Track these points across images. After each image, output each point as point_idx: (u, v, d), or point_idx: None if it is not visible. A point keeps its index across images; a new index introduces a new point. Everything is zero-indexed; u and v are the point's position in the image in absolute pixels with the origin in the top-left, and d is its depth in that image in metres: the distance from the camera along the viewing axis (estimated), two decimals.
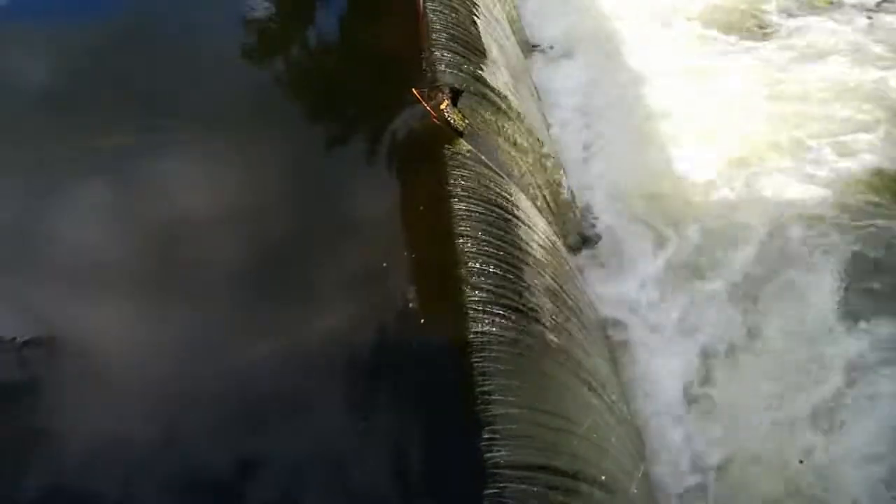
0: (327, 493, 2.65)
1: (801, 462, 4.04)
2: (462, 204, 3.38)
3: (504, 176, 3.78)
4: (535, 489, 2.67)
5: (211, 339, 3.04)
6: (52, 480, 2.70)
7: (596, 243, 4.85)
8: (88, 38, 4.20)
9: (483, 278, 3.16)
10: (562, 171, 5.22)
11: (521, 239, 3.56)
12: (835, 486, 3.81)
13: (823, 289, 4.50)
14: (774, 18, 6.46)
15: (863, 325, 4.33)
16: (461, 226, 3.29)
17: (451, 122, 3.61)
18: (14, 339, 3.06)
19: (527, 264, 3.47)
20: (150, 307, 3.16)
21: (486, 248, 3.28)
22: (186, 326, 3.09)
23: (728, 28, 6.42)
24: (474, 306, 3.05)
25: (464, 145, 3.62)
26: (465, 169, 3.53)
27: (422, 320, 3.05)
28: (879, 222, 4.86)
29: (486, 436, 2.69)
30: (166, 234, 3.37)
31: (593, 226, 4.96)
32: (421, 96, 3.65)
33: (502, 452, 2.67)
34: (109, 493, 2.66)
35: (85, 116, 3.82)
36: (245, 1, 4.63)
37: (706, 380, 4.27)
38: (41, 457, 2.74)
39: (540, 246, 3.73)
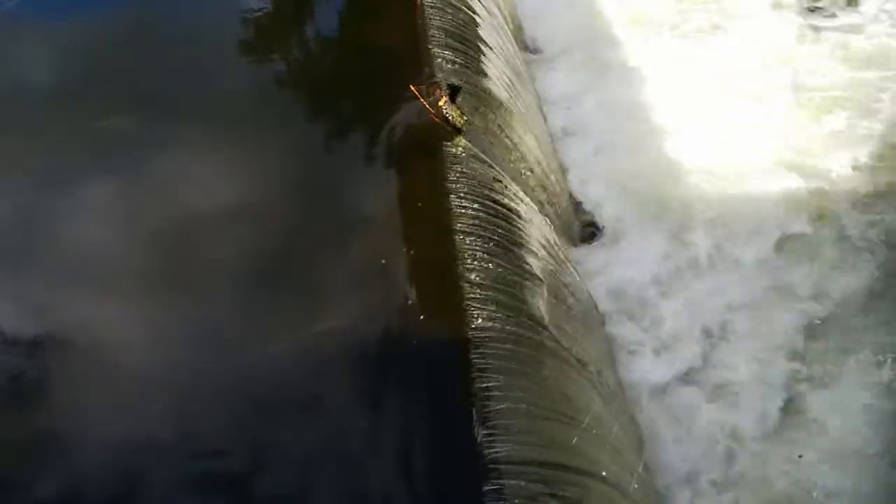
0: (330, 485, 2.66)
1: (799, 457, 4.06)
2: (461, 201, 3.37)
3: (502, 172, 3.78)
4: (535, 484, 2.67)
5: (208, 333, 3.05)
6: (67, 472, 2.71)
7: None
8: (93, 36, 4.21)
9: (482, 275, 3.15)
10: (559, 163, 5.24)
11: (520, 235, 3.56)
12: None
13: None
14: None
15: None
16: (460, 222, 3.29)
17: (450, 118, 3.61)
18: (21, 330, 3.09)
19: (525, 260, 3.47)
20: (152, 302, 3.17)
21: (485, 245, 3.28)
22: (185, 320, 3.11)
23: None
24: (473, 303, 3.04)
25: (462, 142, 3.62)
26: (464, 165, 3.53)
27: (421, 317, 3.05)
28: None
29: (486, 432, 2.69)
30: (167, 229, 3.37)
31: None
32: (419, 93, 3.65)
33: (501, 448, 2.67)
34: (123, 486, 2.67)
35: (88, 114, 3.81)
36: None
37: None
38: (57, 450, 2.76)
39: (538, 241, 3.73)
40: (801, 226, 4.97)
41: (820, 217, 5.03)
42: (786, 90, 5.72)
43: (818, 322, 4.54)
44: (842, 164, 5.25)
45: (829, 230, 4.97)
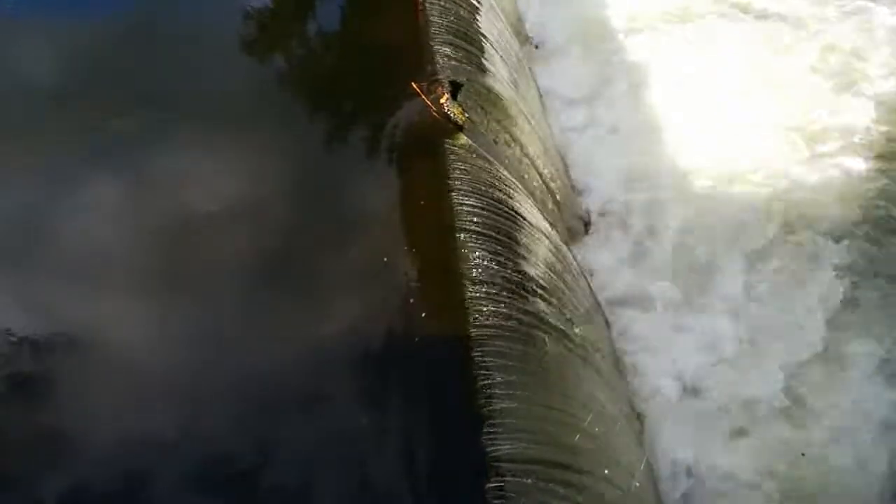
0: (332, 483, 2.67)
1: (802, 455, 4.06)
2: (462, 198, 3.37)
3: (504, 169, 3.77)
4: (537, 483, 2.68)
5: (211, 333, 3.06)
6: (71, 470, 2.72)
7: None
8: (94, 36, 4.20)
9: (483, 273, 3.15)
10: (561, 159, 5.23)
11: (521, 232, 3.55)
12: None
13: None
14: None
15: None
16: (461, 220, 3.29)
17: (451, 115, 3.60)
18: (27, 330, 3.10)
19: (527, 257, 3.46)
20: (155, 301, 3.18)
21: (487, 243, 3.27)
22: (188, 320, 3.11)
23: None
24: (475, 301, 3.04)
25: (463, 139, 3.61)
26: (465, 163, 3.53)
27: (423, 315, 3.05)
28: None
29: (488, 429, 2.69)
30: (170, 230, 3.37)
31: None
32: (420, 90, 3.64)
33: (504, 446, 2.67)
34: (128, 484, 2.68)
35: (89, 115, 3.81)
36: None
37: None
38: (61, 449, 2.77)
39: (540, 238, 3.72)
40: None
41: None
42: None
43: None
44: None
45: None
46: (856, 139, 5.39)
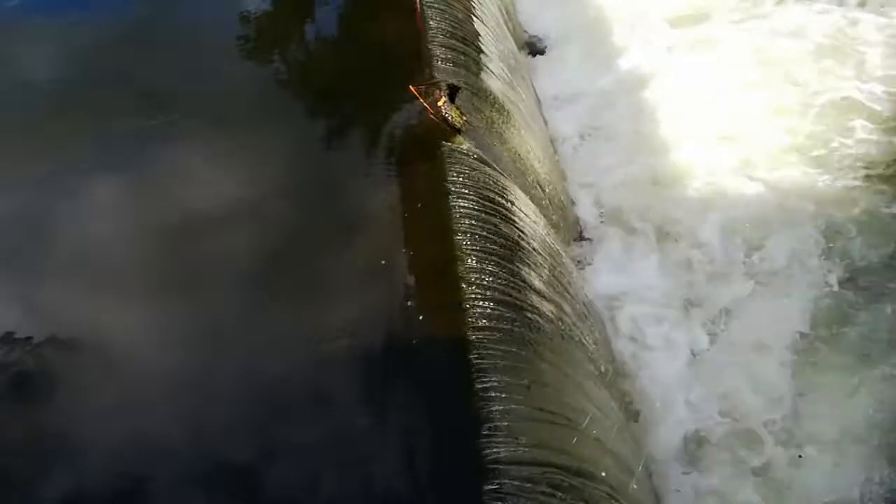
0: (330, 483, 2.67)
1: (799, 457, 4.07)
2: (460, 201, 3.38)
3: (502, 172, 3.78)
4: (535, 485, 2.68)
5: (211, 333, 3.07)
6: (75, 471, 2.73)
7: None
8: (95, 36, 4.23)
9: (481, 275, 3.16)
10: (559, 164, 5.24)
11: (519, 235, 3.56)
12: None
13: None
14: None
15: None
16: (459, 223, 3.30)
17: (449, 118, 3.61)
18: (31, 330, 3.11)
19: (524, 260, 3.47)
20: (158, 301, 3.19)
21: (485, 245, 3.28)
22: (189, 321, 3.13)
23: None
24: (473, 303, 3.05)
25: (461, 142, 3.62)
26: (463, 166, 3.54)
27: (420, 317, 3.06)
28: None
29: (485, 432, 2.70)
30: (171, 230, 3.39)
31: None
32: (418, 93, 3.65)
33: (501, 448, 2.68)
34: (132, 484, 2.70)
35: (92, 115, 3.83)
36: None
37: None
38: (65, 449, 2.78)
39: (537, 241, 3.73)
40: None
41: None
42: None
43: None
44: None
45: None
46: None
